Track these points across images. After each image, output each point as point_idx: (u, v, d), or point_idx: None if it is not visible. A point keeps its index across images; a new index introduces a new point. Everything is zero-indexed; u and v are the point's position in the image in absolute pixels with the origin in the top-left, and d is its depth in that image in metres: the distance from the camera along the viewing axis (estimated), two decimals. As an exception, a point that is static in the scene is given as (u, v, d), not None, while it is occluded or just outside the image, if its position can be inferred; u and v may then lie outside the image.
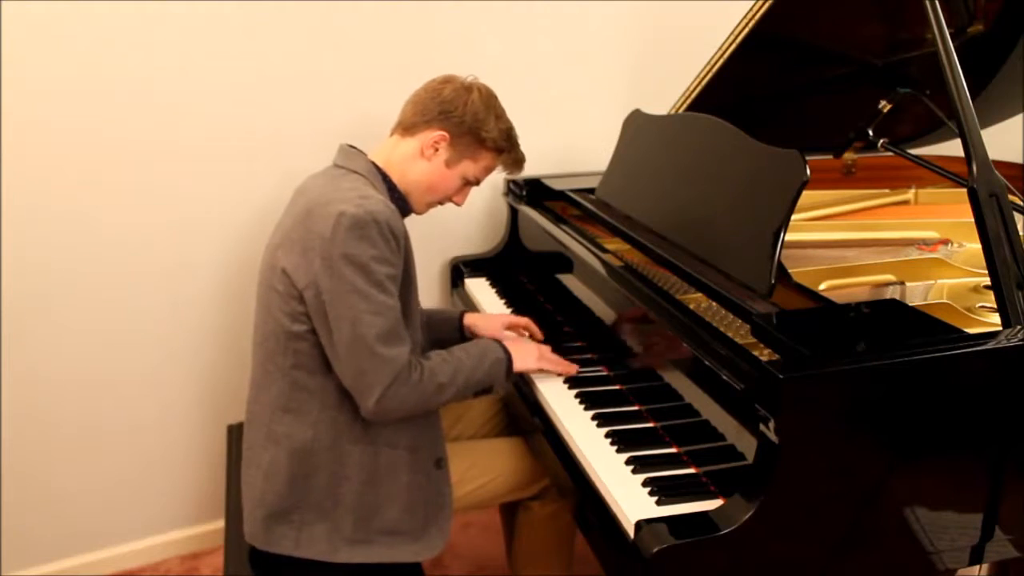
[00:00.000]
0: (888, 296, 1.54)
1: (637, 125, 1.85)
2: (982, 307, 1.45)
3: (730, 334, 1.26)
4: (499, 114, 1.54)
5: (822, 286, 1.50)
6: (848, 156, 2.13)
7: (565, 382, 1.57)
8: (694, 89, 1.81)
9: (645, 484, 1.23)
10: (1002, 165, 1.63)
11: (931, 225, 1.81)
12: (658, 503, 1.18)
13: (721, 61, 1.72)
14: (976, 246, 1.43)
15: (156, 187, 1.93)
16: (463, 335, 1.74)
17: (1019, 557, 1.26)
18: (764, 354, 1.17)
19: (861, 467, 1.11)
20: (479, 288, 2.12)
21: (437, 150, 1.51)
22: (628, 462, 1.29)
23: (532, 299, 2.02)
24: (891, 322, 1.21)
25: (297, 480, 1.42)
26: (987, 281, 1.27)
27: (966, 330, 1.17)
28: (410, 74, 1.64)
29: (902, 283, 1.54)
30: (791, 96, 1.89)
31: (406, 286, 1.41)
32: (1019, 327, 1.17)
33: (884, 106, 1.74)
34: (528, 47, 2.21)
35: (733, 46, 1.68)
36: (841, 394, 1.07)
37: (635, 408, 1.47)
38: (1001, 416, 1.15)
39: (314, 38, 1.98)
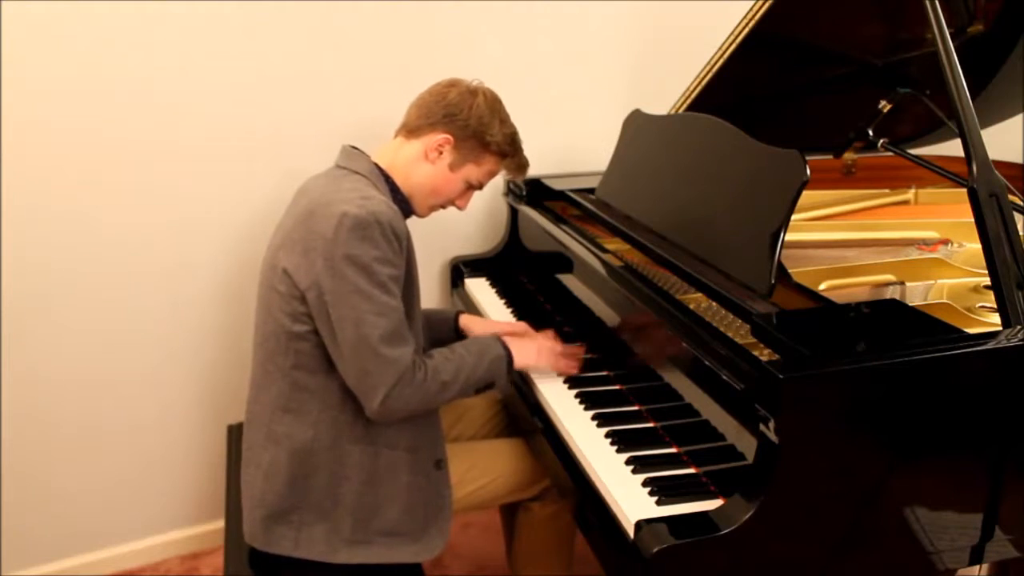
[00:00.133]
0: (888, 296, 1.54)
1: (637, 125, 1.85)
2: (982, 307, 1.45)
3: (730, 334, 1.26)
4: (503, 118, 1.54)
5: (822, 286, 1.50)
6: (848, 156, 2.12)
7: (565, 382, 1.57)
8: (694, 89, 1.81)
9: (645, 484, 1.23)
10: (1002, 165, 1.63)
11: (931, 225, 1.81)
12: (658, 503, 1.18)
13: (721, 61, 1.72)
14: (976, 246, 1.43)
15: (156, 187, 1.93)
16: (459, 335, 1.74)
17: (1019, 557, 1.26)
18: (764, 354, 1.17)
19: (861, 467, 1.11)
20: (479, 288, 2.12)
21: (441, 153, 1.51)
22: (628, 462, 1.29)
23: (532, 299, 2.02)
24: (891, 322, 1.21)
25: (297, 480, 1.42)
26: (987, 281, 1.27)
27: (966, 330, 1.17)
28: (410, 74, 1.64)
29: (902, 283, 1.54)
30: (791, 96, 1.89)
31: (408, 287, 1.41)
32: (1019, 327, 1.17)
33: (884, 106, 1.74)
34: (528, 47, 2.21)
35: (733, 46, 1.68)
36: (841, 394, 1.07)
37: (635, 408, 1.47)
38: (1001, 416, 1.15)
39: (314, 38, 1.98)
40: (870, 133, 1.73)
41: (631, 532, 1.13)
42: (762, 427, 1.08)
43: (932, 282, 1.56)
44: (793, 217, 1.28)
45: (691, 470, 1.27)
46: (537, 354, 1.56)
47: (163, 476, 2.15)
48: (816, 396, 1.06)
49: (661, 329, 1.37)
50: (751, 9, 1.62)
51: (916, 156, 1.63)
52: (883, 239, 1.78)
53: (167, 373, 2.08)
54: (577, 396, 1.51)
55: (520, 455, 1.63)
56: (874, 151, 1.75)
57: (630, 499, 1.20)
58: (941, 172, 1.53)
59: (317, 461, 1.42)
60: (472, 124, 1.50)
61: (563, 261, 1.82)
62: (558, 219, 1.94)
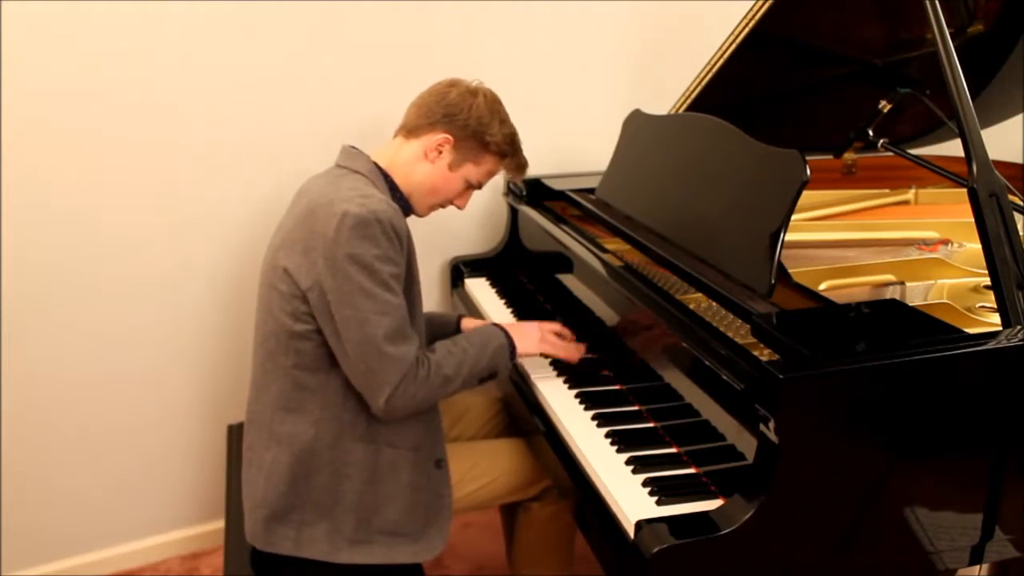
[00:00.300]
0: (888, 296, 1.54)
1: (637, 125, 1.85)
2: (982, 307, 1.45)
3: (730, 334, 1.26)
4: (503, 119, 1.54)
5: (822, 286, 1.51)
6: (848, 156, 2.13)
7: (565, 382, 1.57)
8: (694, 89, 1.81)
9: (645, 484, 1.23)
10: (1002, 165, 1.63)
11: (931, 225, 1.81)
12: (658, 503, 1.19)
13: (721, 61, 1.72)
14: (976, 246, 1.43)
15: (156, 187, 1.93)
16: None
17: (1019, 557, 1.26)
18: (764, 354, 1.17)
19: (861, 467, 1.11)
20: (479, 288, 2.12)
21: (440, 153, 1.51)
22: (628, 462, 1.29)
23: (532, 299, 2.02)
24: (891, 322, 1.21)
25: (298, 480, 1.42)
26: (987, 281, 1.27)
27: (966, 330, 1.17)
28: (410, 74, 1.64)
29: (902, 283, 1.54)
30: (791, 96, 1.89)
31: (409, 285, 1.42)
32: (1019, 327, 1.17)
33: (884, 106, 1.73)
34: (528, 47, 2.21)
35: (733, 46, 1.68)
36: (841, 394, 1.07)
37: (635, 408, 1.47)
38: (1001, 416, 1.15)
39: (314, 38, 1.98)
40: (870, 133, 1.73)
41: (631, 532, 1.13)
42: (762, 427, 1.08)
43: (932, 282, 1.56)
44: (793, 217, 1.28)
45: (691, 470, 1.27)
46: (539, 341, 1.56)
47: (163, 476, 2.15)
48: (816, 396, 1.06)
49: (661, 329, 1.37)
50: (751, 9, 1.62)
51: (916, 156, 1.63)
52: (883, 239, 1.78)
53: (167, 373, 2.08)
54: (577, 396, 1.51)
55: (520, 455, 1.63)
56: (874, 151, 1.75)
57: (630, 499, 1.20)
58: (941, 172, 1.53)
59: (318, 460, 1.42)
60: (472, 124, 1.50)
61: (563, 261, 1.82)
62: (558, 219, 1.94)
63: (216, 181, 1.98)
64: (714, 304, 1.41)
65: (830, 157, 1.99)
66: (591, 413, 1.45)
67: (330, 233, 1.33)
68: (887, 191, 2.10)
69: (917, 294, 1.55)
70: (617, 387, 1.55)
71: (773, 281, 1.25)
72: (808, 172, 1.26)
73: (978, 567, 1.29)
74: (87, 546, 2.13)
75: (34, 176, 1.82)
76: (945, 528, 1.18)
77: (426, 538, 1.47)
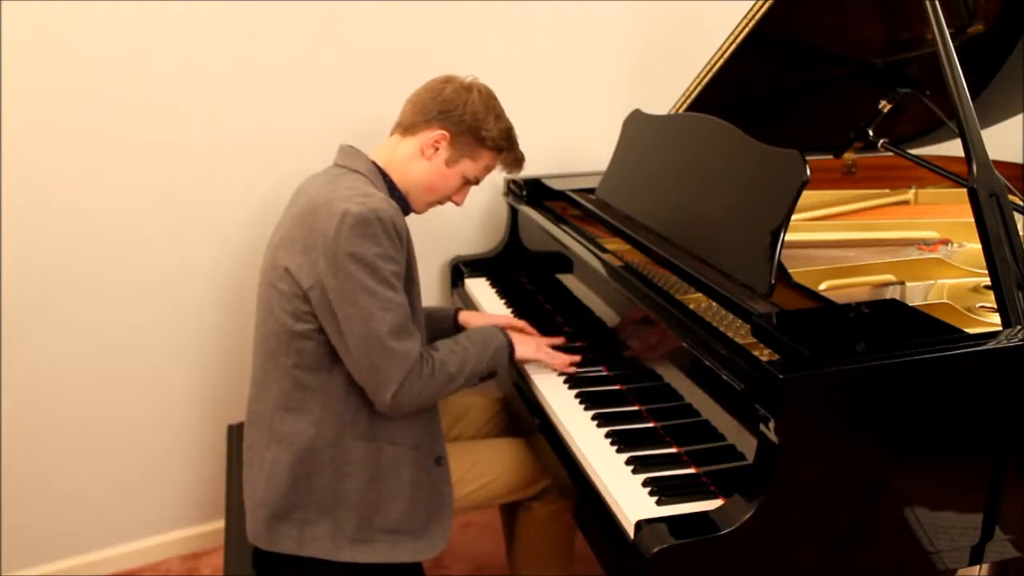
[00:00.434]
0: (888, 296, 1.54)
1: (637, 125, 1.85)
2: (982, 307, 1.45)
3: (730, 334, 1.26)
4: (499, 114, 1.55)
5: (822, 286, 1.51)
6: (848, 156, 2.13)
7: (565, 382, 1.57)
8: (694, 89, 1.81)
9: (645, 484, 1.23)
10: (1002, 165, 1.63)
11: (931, 225, 1.81)
12: (658, 503, 1.18)
13: (721, 61, 1.72)
14: (976, 246, 1.43)
15: (156, 187, 1.93)
16: (458, 332, 1.74)
17: (1019, 557, 1.26)
18: (764, 354, 1.17)
19: (861, 467, 1.11)
20: (479, 288, 2.12)
21: (437, 149, 1.52)
22: (628, 462, 1.29)
23: (532, 299, 2.02)
24: (891, 322, 1.21)
25: (300, 479, 1.42)
26: (987, 281, 1.27)
27: (966, 330, 1.17)
28: (410, 74, 1.64)
29: (902, 283, 1.54)
30: (791, 96, 1.89)
31: (409, 283, 1.42)
32: (1019, 327, 1.17)
33: (884, 106, 1.73)
34: (528, 47, 2.21)
35: (733, 46, 1.68)
36: (841, 394, 1.07)
37: (635, 408, 1.47)
38: (1001, 416, 1.15)
39: (314, 38, 1.98)
40: (870, 133, 1.73)
41: (631, 532, 1.13)
42: (762, 427, 1.08)
43: (932, 282, 1.56)
44: (793, 217, 1.28)
45: (691, 470, 1.27)
46: (536, 349, 1.59)
47: (163, 476, 2.15)
48: (816, 396, 1.06)
49: (661, 329, 1.37)
50: (751, 9, 1.62)
51: (916, 156, 1.63)
52: (883, 239, 1.78)
53: (167, 373, 2.08)
54: (577, 396, 1.51)
55: (520, 454, 1.64)
56: (874, 151, 1.75)
57: (630, 499, 1.20)
58: (941, 172, 1.53)
59: (320, 459, 1.42)
60: (468, 120, 1.50)
61: (563, 261, 1.82)
62: (558, 219, 1.94)
63: (216, 181, 1.98)
64: (714, 304, 1.41)
65: (830, 157, 1.99)
66: (591, 413, 1.45)
67: (330, 232, 1.33)
68: (887, 191, 2.10)
69: (917, 294, 1.55)
70: (617, 387, 1.55)
71: (773, 281, 1.25)
72: (808, 172, 1.26)
73: (978, 567, 1.29)
74: (87, 546, 2.13)
75: (34, 176, 1.82)
76: (945, 528, 1.18)
77: (428, 536, 1.47)
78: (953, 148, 1.73)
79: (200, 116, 1.93)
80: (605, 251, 1.68)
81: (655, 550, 1.05)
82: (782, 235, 1.26)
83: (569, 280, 1.81)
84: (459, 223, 2.27)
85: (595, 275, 1.64)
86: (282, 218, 1.51)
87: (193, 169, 1.96)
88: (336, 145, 1.55)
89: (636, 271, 1.56)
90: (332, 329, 1.37)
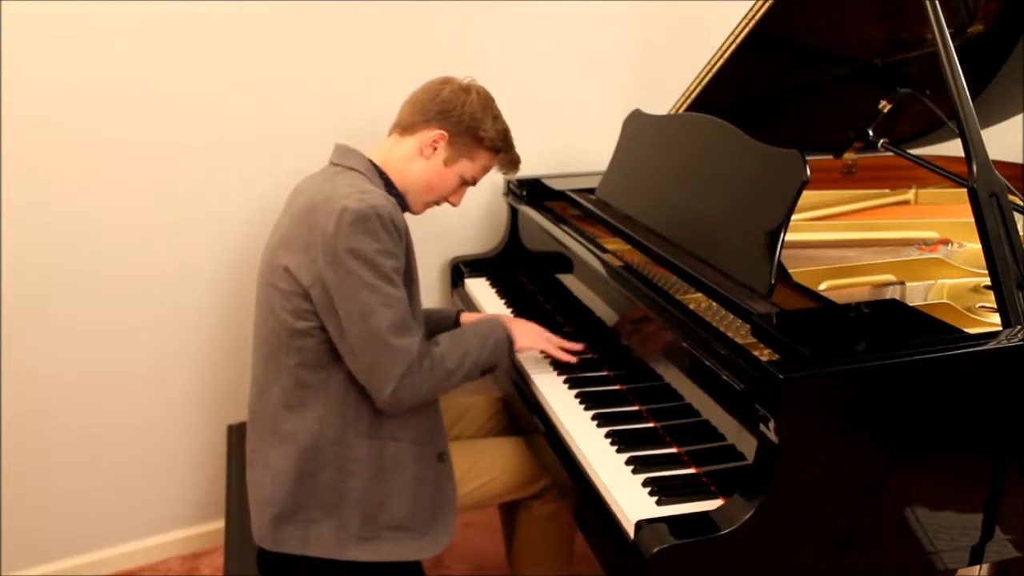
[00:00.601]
0: (888, 296, 1.54)
1: (637, 125, 1.85)
2: (982, 307, 1.46)
3: (730, 334, 1.26)
4: (496, 115, 1.56)
5: (822, 286, 1.51)
6: (848, 156, 2.13)
7: (565, 382, 1.57)
8: (694, 89, 1.81)
9: (645, 484, 1.23)
10: (1002, 165, 1.63)
11: (931, 225, 1.81)
12: (658, 503, 1.18)
13: (721, 61, 1.72)
14: (976, 246, 1.43)
15: (156, 187, 1.93)
16: None
17: (1019, 557, 1.26)
18: (764, 354, 1.17)
19: (861, 467, 1.11)
20: (479, 288, 2.12)
21: (436, 149, 1.52)
22: (628, 462, 1.29)
23: (532, 299, 2.02)
24: (891, 322, 1.21)
25: (304, 478, 1.42)
26: (987, 281, 1.27)
27: (966, 330, 1.17)
28: (410, 74, 1.64)
29: (902, 283, 1.54)
30: (791, 96, 1.89)
31: (408, 279, 1.42)
32: (1019, 327, 1.17)
33: (884, 106, 1.73)
34: (528, 47, 2.21)
35: (733, 46, 1.68)
36: (841, 394, 1.07)
37: (635, 408, 1.47)
38: (1001, 416, 1.15)
39: (314, 38, 1.98)
40: (870, 133, 1.73)
41: (631, 532, 1.13)
42: (762, 427, 1.08)
43: (932, 282, 1.56)
44: (793, 217, 1.28)
45: (691, 470, 1.27)
46: (536, 338, 1.59)
47: (163, 476, 2.15)
48: (816, 396, 1.06)
49: (661, 329, 1.37)
50: (751, 9, 1.62)
51: (916, 156, 1.63)
52: (883, 239, 1.78)
53: (167, 373, 2.08)
54: (577, 396, 1.51)
55: (520, 453, 1.64)
56: (874, 151, 1.75)
57: (630, 499, 1.20)
58: (941, 172, 1.53)
59: (323, 458, 1.42)
60: (466, 120, 1.51)
61: (563, 261, 1.82)
62: (558, 219, 1.94)
63: (216, 181, 1.98)
64: (714, 304, 1.41)
65: (830, 157, 1.99)
66: (591, 413, 1.45)
67: (330, 229, 1.33)
68: (887, 191, 2.10)
69: (917, 294, 1.55)
70: (617, 387, 1.55)
71: (773, 281, 1.25)
72: (808, 172, 1.26)
73: (978, 567, 1.29)
74: (87, 546, 2.13)
75: (34, 176, 1.82)
76: (945, 528, 1.18)
77: (432, 532, 1.47)
78: (953, 148, 1.73)
79: (200, 116, 1.93)
80: (605, 251, 1.68)
81: (655, 550, 1.05)
82: (782, 235, 1.26)
83: (569, 280, 1.81)
84: (459, 223, 2.27)
85: (595, 275, 1.64)
86: (280, 218, 1.51)
87: (193, 169, 1.96)
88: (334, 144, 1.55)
89: (636, 271, 1.56)
90: (333, 326, 1.37)
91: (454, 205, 1.63)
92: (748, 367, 1.13)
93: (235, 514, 1.58)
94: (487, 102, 1.55)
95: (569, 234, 1.82)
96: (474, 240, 2.31)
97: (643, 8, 2.30)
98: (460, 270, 2.21)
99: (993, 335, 1.16)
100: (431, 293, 2.28)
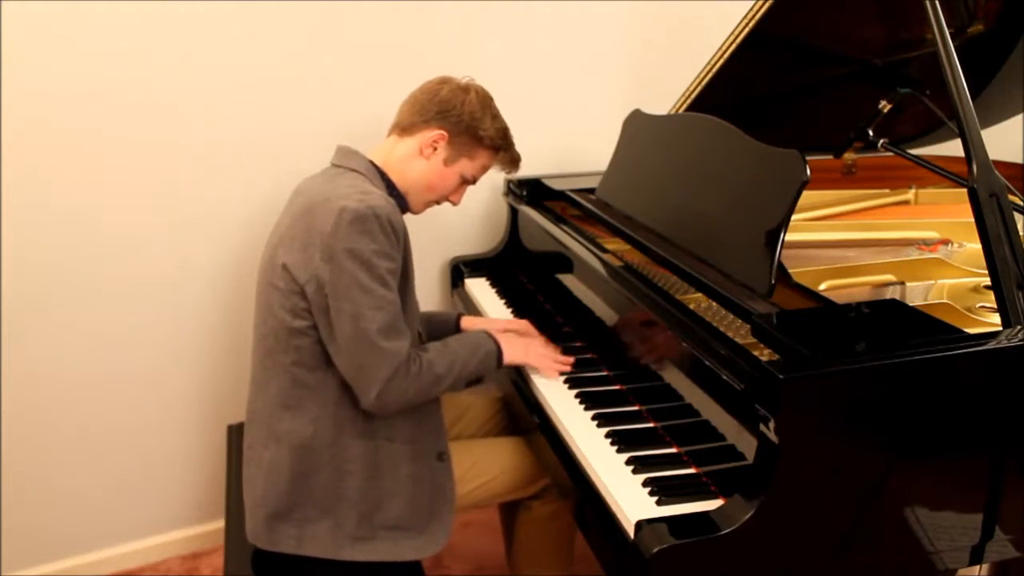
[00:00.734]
0: (888, 296, 1.54)
1: (637, 125, 1.85)
2: (982, 307, 1.45)
3: (730, 334, 1.26)
4: (495, 114, 1.56)
5: (822, 286, 1.51)
6: (848, 156, 2.12)
7: (565, 382, 1.57)
8: (694, 89, 1.81)
9: (645, 484, 1.23)
10: (1002, 165, 1.63)
11: (931, 225, 1.81)
12: (658, 503, 1.18)
13: (721, 61, 1.72)
14: (976, 246, 1.43)
15: (156, 187, 1.93)
16: None
17: (1019, 557, 1.26)
18: (764, 354, 1.17)
19: (861, 467, 1.11)
20: (479, 288, 2.12)
21: (435, 149, 1.52)
22: (628, 462, 1.29)
23: (532, 299, 2.02)
24: (891, 322, 1.21)
25: (299, 478, 1.42)
26: (987, 281, 1.27)
27: (966, 330, 1.17)
28: (410, 74, 1.64)
29: (902, 283, 1.54)
30: (791, 96, 1.89)
31: (404, 280, 1.43)
32: (1019, 327, 1.17)
33: (884, 106, 1.73)
34: (528, 47, 2.21)
35: (733, 46, 1.68)
36: (841, 394, 1.07)
37: (635, 408, 1.47)
38: (1001, 416, 1.15)
39: (314, 38, 1.98)
40: (870, 133, 1.73)
41: (631, 532, 1.13)
42: (762, 427, 1.08)
43: (932, 282, 1.56)
44: (793, 217, 1.28)
45: (691, 470, 1.27)
46: (525, 352, 1.58)
47: (163, 476, 2.15)
48: (816, 396, 1.06)
49: (661, 329, 1.37)
50: (751, 9, 1.62)
51: (916, 156, 1.63)
52: (883, 239, 1.78)
53: (167, 373, 2.08)
54: (577, 396, 1.51)
55: (520, 453, 1.64)
56: (874, 151, 1.75)
57: (630, 499, 1.20)
58: (941, 172, 1.53)
59: (319, 458, 1.42)
60: (465, 119, 1.52)
61: (563, 261, 1.82)
62: (558, 219, 1.94)
63: (216, 181, 1.98)
64: (714, 304, 1.41)
65: (830, 157, 1.99)
66: (591, 413, 1.45)
67: (328, 228, 1.33)
68: (887, 191, 2.10)
69: (917, 294, 1.55)
70: (617, 387, 1.55)
71: (773, 281, 1.25)
72: (808, 172, 1.26)
73: (978, 567, 1.29)
74: (87, 546, 2.13)
75: (34, 176, 1.82)
76: (945, 528, 1.18)
77: (429, 532, 1.47)
78: (953, 148, 1.73)
79: (200, 116, 1.93)
80: (605, 251, 1.68)
81: (655, 550, 1.05)
82: (782, 235, 1.26)
83: (569, 280, 1.81)
84: (459, 223, 2.27)
85: (595, 275, 1.64)
86: (281, 217, 1.51)
87: (193, 169, 1.96)
88: (336, 145, 1.55)
89: (636, 271, 1.56)
90: (324, 325, 1.37)
91: (454, 204, 1.63)
92: (748, 367, 1.13)
93: (235, 514, 1.58)
94: (486, 101, 1.55)
95: (569, 234, 1.82)
96: (474, 240, 2.31)
97: (643, 8, 2.30)
98: (460, 270, 2.21)
99: (993, 335, 1.16)
100: (431, 293, 2.28)
